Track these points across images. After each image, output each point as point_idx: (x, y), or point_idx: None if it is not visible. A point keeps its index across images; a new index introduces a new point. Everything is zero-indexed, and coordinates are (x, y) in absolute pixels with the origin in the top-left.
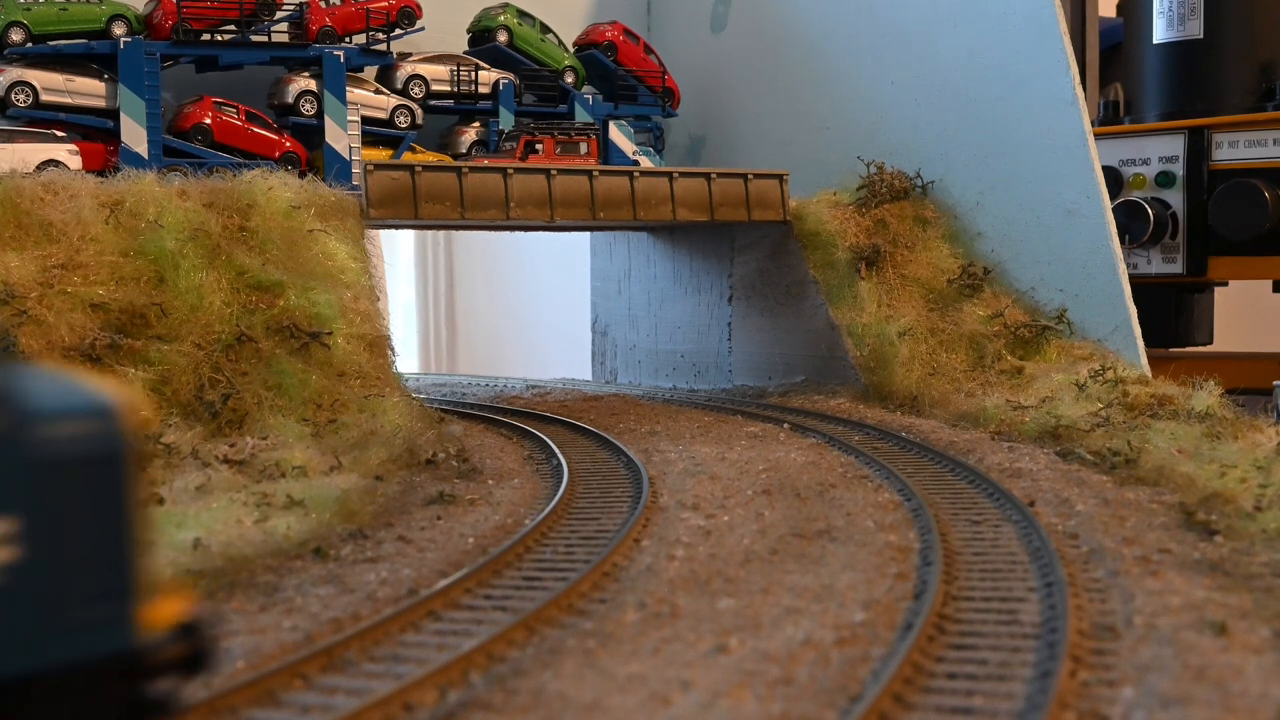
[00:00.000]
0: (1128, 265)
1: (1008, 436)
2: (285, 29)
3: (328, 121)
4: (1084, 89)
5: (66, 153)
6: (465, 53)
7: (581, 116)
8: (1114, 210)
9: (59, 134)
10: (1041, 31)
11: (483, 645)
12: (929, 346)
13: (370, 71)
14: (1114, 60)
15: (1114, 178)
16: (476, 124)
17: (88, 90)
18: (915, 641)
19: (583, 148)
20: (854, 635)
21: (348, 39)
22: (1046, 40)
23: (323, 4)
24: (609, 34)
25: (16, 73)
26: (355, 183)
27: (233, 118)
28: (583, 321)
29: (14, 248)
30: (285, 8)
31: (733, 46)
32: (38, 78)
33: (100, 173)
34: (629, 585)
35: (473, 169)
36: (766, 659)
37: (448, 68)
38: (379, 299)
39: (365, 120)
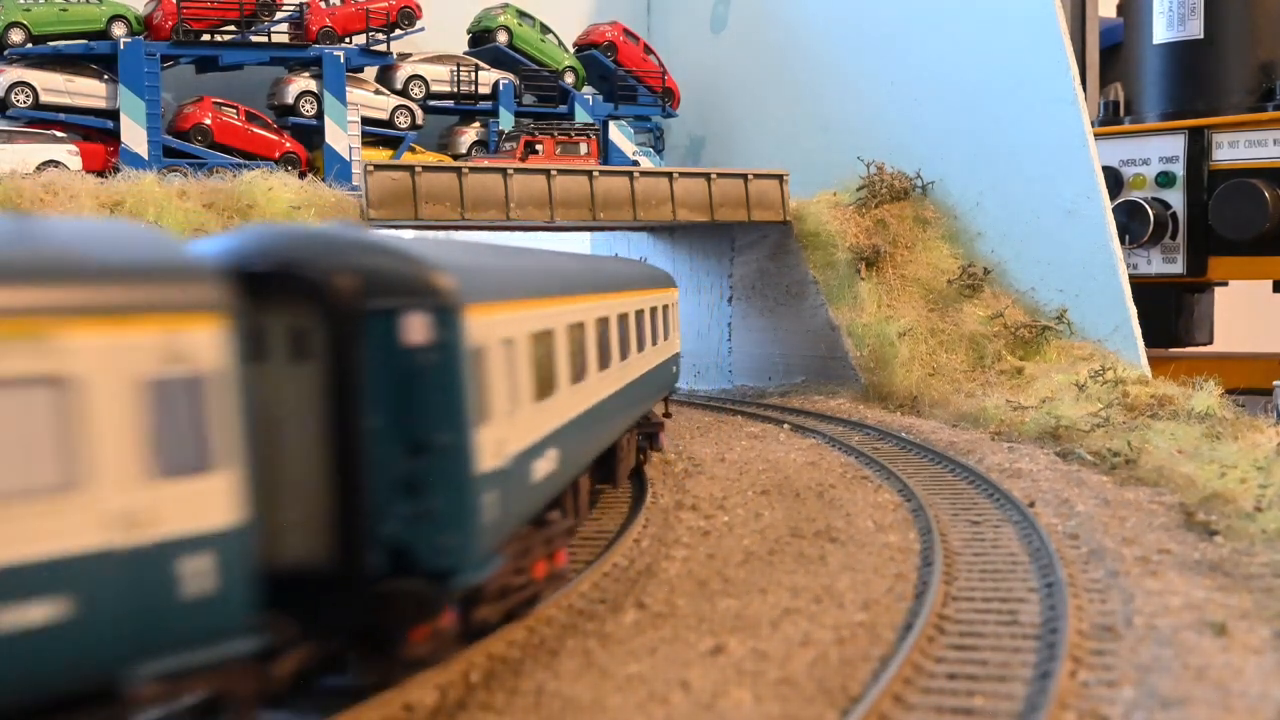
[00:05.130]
0: (1128, 265)
1: (1008, 437)
2: (285, 29)
3: (328, 121)
4: (1084, 89)
5: (66, 153)
6: (465, 53)
7: (581, 117)
8: (1114, 210)
9: (59, 134)
10: (1041, 31)
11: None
12: (929, 347)
13: (370, 72)
14: (1114, 60)
15: (1114, 178)
16: (476, 124)
17: (88, 90)
18: (915, 642)
19: (583, 148)
20: (853, 635)
21: (348, 39)
22: (1046, 40)
23: (323, 4)
24: (609, 34)
25: (16, 73)
26: (355, 183)
27: (232, 118)
28: None
29: None
30: (285, 8)
31: (733, 46)
32: (38, 78)
33: (100, 173)
34: (629, 585)
35: (473, 169)
36: (765, 659)
37: (448, 68)
38: None
39: (365, 120)
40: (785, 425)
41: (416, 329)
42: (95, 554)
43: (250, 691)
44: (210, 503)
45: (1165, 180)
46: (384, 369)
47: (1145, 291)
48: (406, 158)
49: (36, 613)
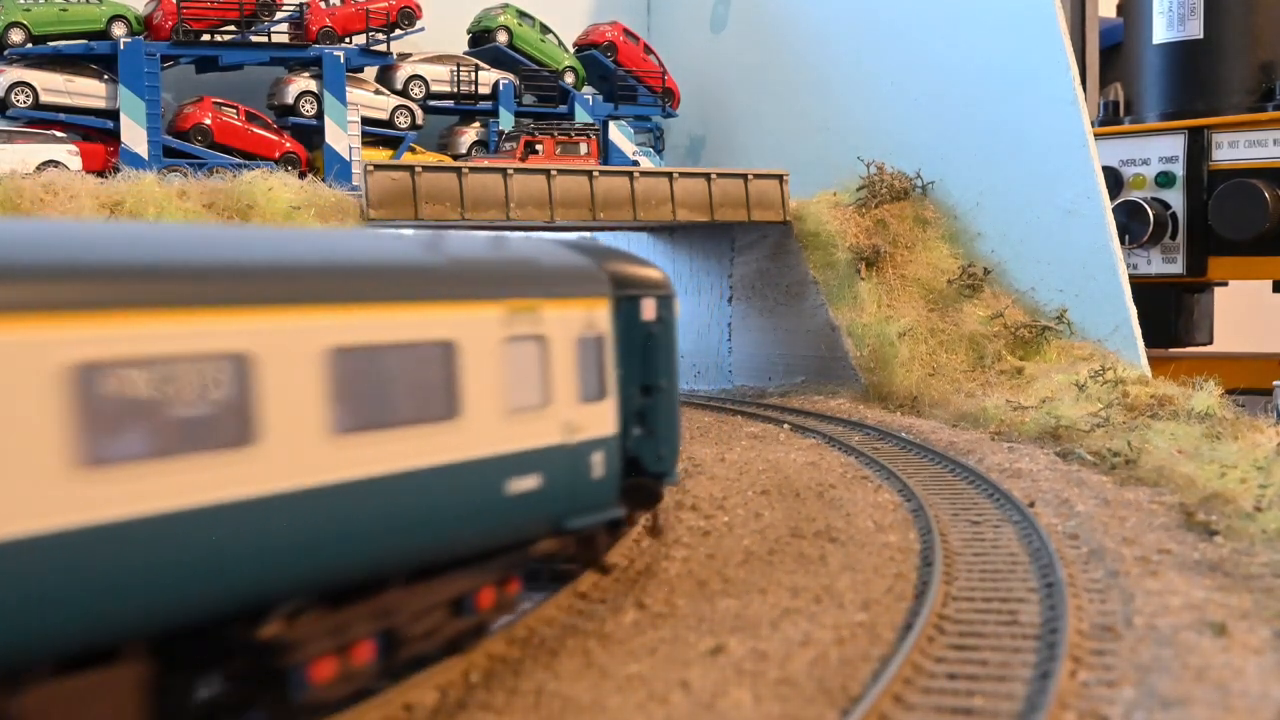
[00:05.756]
0: (1128, 265)
1: (1008, 437)
2: (285, 29)
3: (328, 122)
4: (1084, 89)
5: (66, 153)
6: (465, 53)
7: (581, 117)
8: (1114, 210)
9: (59, 134)
10: (1041, 31)
11: None
12: (929, 347)
13: (370, 72)
14: (1114, 60)
15: (1114, 178)
16: (476, 124)
17: (88, 91)
18: (915, 642)
19: (583, 148)
20: (853, 635)
21: (348, 39)
22: (1046, 40)
23: (323, 4)
24: (609, 34)
25: (16, 73)
26: (355, 183)
27: (232, 118)
28: None
29: None
30: (285, 8)
31: (733, 46)
32: (38, 78)
33: (100, 173)
34: (629, 585)
35: (473, 169)
36: (765, 659)
37: (448, 68)
38: None
39: (365, 120)
40: (785, 425)
41: (650, 309)
42: (555, 447)
43: (607, 549)
44: (604, 419)
45: (1165, 180)
46: (627, 336)
47: (1145, 291)
48: (406, 158)
49: (530, 482)
